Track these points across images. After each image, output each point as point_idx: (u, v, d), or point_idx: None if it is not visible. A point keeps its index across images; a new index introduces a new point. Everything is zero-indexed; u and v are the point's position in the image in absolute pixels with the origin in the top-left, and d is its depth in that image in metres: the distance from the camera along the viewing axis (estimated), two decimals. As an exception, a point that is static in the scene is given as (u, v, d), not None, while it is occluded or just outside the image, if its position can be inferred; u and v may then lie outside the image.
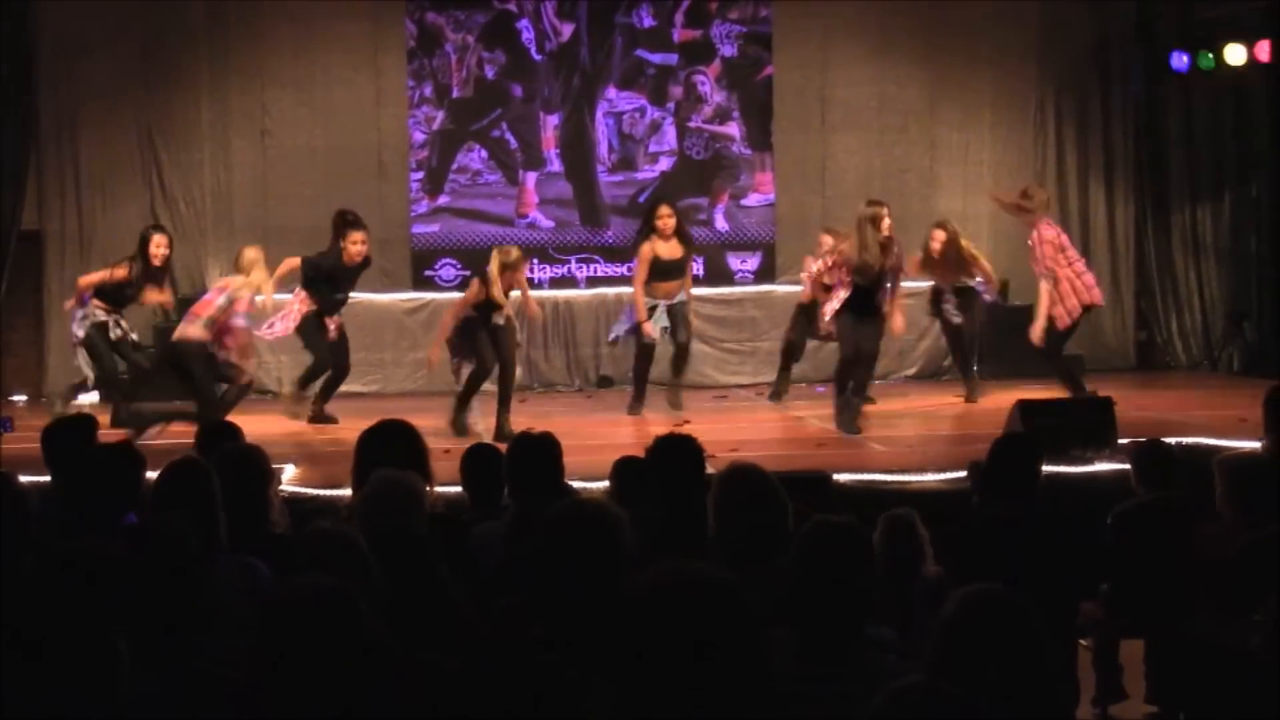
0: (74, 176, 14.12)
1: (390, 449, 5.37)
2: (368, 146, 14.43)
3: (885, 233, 10.41)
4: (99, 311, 11.53)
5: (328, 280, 11.49)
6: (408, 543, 4.40)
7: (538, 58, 14.66)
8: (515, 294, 11.02)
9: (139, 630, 3.70)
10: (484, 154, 14.67)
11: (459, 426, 10.53)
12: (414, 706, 3.32)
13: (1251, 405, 8.67)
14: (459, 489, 6.01)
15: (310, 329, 11.54)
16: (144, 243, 11.53)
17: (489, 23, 14.62)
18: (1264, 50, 13.52)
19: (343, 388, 11.86)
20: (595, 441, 9.72)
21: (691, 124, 14.76)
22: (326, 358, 11.57)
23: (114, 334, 11.59)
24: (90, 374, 11.67)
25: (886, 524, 5.59)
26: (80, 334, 11.56)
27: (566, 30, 14.65)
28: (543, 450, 5.62)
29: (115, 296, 11.59)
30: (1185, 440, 8.83)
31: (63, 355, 13.94)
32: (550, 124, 14.68)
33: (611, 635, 2.91)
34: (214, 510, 4.68)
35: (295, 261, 11.52)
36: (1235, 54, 13.71)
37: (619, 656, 2.82)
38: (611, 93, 14.73)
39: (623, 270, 14.26)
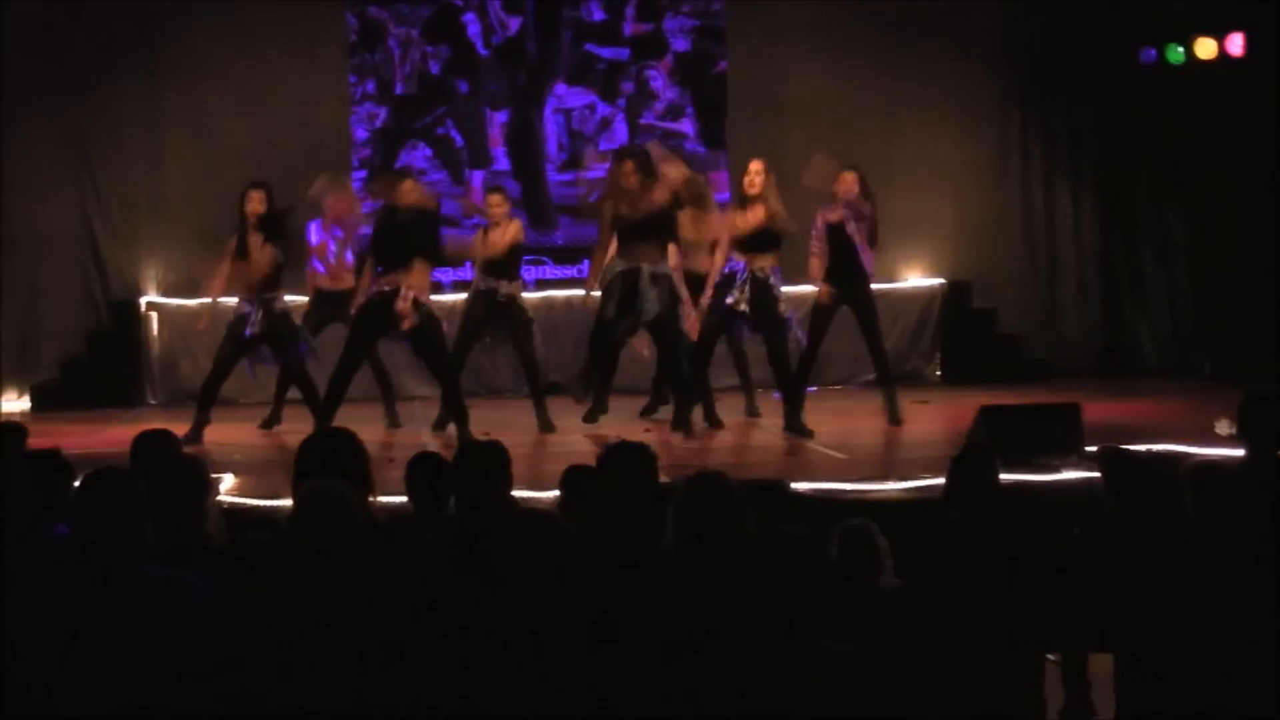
0: (-4, 176, 13.68)
1: (330, 457, 5.24)
2: (309, 144, 13.99)
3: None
4: (244, 304, 10.59)
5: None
6: (340, 554, 4.33)
7: (484, 53, 14.41)
8: None
9: (61, 642, 3.80)
10: (429, 152, 14.42)
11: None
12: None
13: (1223, 411, 8.39)
14: (405, 499, 5.77)
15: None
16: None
17: (433, 17, 14.38)
18: (1235, 43, 13.21)
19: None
20: (547, 449, 9.63)
21: (643, 121, 14.52)
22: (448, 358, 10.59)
23: (249, 329, 10.51)
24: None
25: (843, 535, 5.44)
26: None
27: (514, 24, 14.41)
28: (491, 459, 5.41)
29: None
30: (1155, 447, 8.48)
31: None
32: (497, 121, 14.45)
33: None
34: (136, 521, 4.44)
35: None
36: (1205, 48, 13.41)
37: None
38: (560, 89, 14.48)
39: (573, 272, 13.93)
